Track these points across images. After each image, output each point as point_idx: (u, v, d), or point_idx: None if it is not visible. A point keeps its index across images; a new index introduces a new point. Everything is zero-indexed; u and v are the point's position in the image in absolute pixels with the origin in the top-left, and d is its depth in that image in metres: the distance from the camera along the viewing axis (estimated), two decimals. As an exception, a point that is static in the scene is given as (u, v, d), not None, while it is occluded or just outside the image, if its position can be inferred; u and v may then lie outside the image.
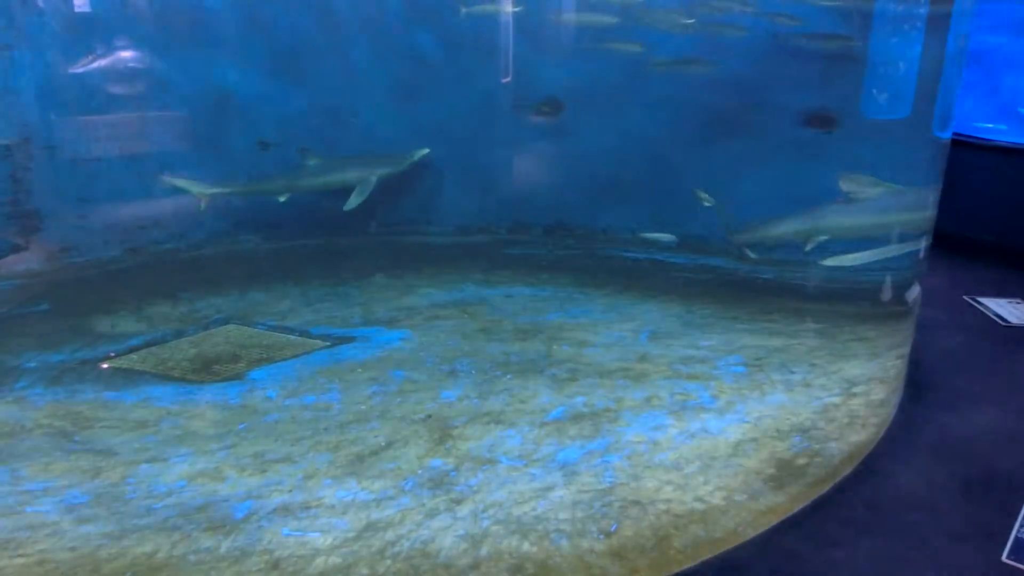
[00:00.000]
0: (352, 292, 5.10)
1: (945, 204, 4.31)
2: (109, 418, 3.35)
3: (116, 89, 5.12)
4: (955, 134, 6.66)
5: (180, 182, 5.55)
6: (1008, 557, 2.60)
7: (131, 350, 4.10)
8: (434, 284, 5.24)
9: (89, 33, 5.04)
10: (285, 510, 2.67)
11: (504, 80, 5.43)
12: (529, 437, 3.21)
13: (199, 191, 5.54)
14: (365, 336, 4.33)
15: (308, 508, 2.69)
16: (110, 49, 4.99)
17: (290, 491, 2.79)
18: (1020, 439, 3.40)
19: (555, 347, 4.16)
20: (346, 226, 6.08)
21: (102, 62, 4.93)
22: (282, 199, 5.72)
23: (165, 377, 3.78)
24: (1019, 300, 5.26)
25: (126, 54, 5.05)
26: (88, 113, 5.17)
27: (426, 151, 5.92)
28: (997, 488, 3.02)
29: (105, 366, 3.91)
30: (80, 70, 4.91)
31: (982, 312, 5.06)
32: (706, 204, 5.26)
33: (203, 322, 4.51)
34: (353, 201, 5.59)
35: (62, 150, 5.22)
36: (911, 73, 4.02)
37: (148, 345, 4.16)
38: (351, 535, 2.55)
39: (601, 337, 4.33)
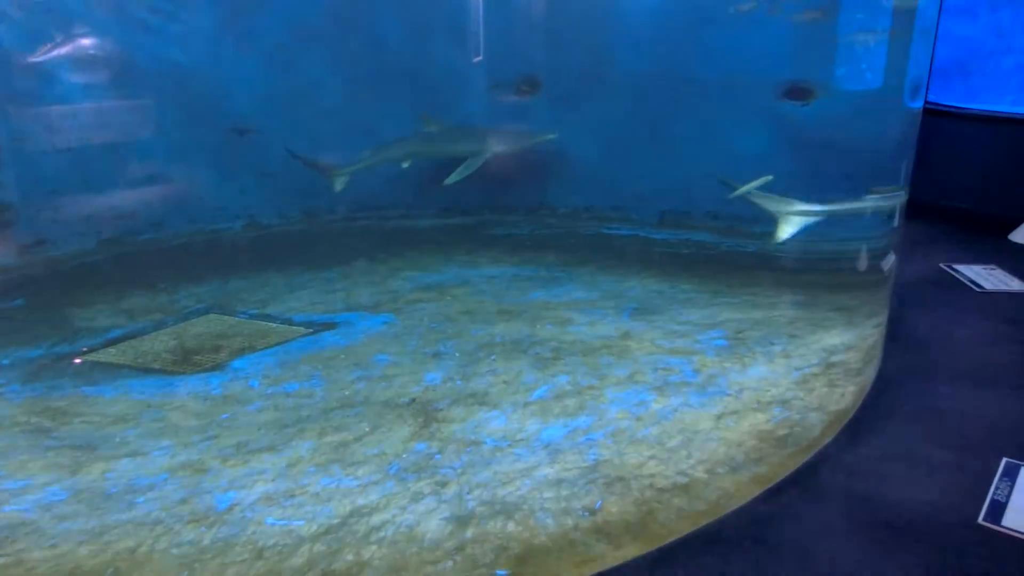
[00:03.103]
0: (335, 278, 5.08)
1: (921, 173, 4.33)
2: (88, 413, 3.31)
3: (86, 78, 5.02)
4: (929, 103, 6.70)
5: (316, 164, 5.50)
6: (984, 519, 2.64)
7: (109, 343, 4.06)
8: (417, 267, 5.23)
9: (51, 20, 4.93)
10: (269, 499, 2.67)
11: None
12: (513, 417, 3.22)
13: (336, 173, 5.46)
14: (348, 321, 4.31)
15: (292, 496, 2.68)
16: (75, 36, 4.88)
17: (273, 480, 2.78)
18: (995, 404, 3.45)
19: (538, 326, 4.16)
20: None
21: (65, 50, 4.83)
22: (405, 165, 5.61)
23: (145, 369, 3.75)
24: (994, 267, 5.32)
25: (92, 40, 4.94)
26: (58, 103, 5.08)
27: (552, 135, 5.67)
28: (973, 452, 3.06)
29: (78, 361, 3.87)
30: (41, 59, 4.81)
31: (958, 279, 5.11)
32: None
33: (183, 312, 4.47)
34: (456, 176, 5.35)
35: (32, 142, 5.12)
36: (882, 44, 4.02)
37: (127, 338, 4.12)
38: (336, 522, 2.55)
39: (584, 315, 4.34)
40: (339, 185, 5.61)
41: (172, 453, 2.98)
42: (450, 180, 5.35)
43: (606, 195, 6.19)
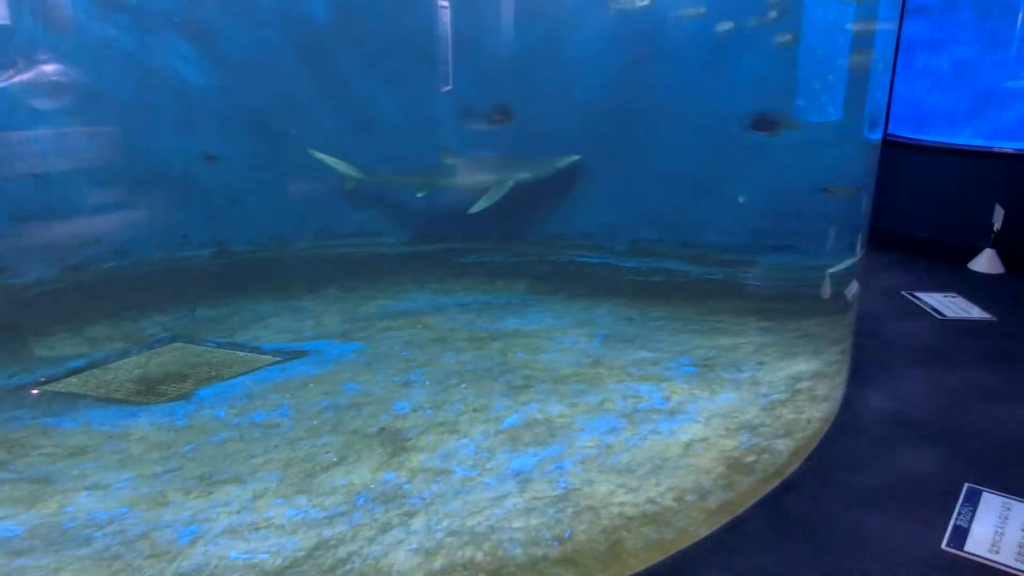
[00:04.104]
0: (305, 305, 5.04)
1: (883, 203, 4.43)
2: (47, 445, 3.23)
3: (50, 103, 4.97)
4: (889, 135, 6.90)
5: (330, 160, 5.55)
6: (947, 545, 2.68)
7: (71, 373, 3.97)
8: (388, 295, 5.21)
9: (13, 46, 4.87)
10: (233, 532, 2.61)
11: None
12: (483, 446, 3.20)
13: (348, 172, 5.52)
14: (317, 350, 4.27)
15: (257, 529, 2.63)
16: (38, 62, 4.83)
17: (238, 512, 2.73)
18: (959, 432, 3.51)
19: (509, 354, 4.16)
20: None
21: (28, 75, 4.78)
22: (419, 195, 5.61)
23: (107, 400, 3.67)
24: (954, 294, 5.45)
25: (53, 67, 4.89)
26: (20, 129, 5.01)
27: (575, 158, 5.69)
28: (937, 479, 3.11)
29: (36, 391, 3.77)
30: (4, 84, 4.75)
31: (920, 307, 5.22)
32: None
33: (148, 341, 4.39)
34: (480, 204, 5.36)
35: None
36: (842, 78, 4.15)
37: (89, 367, 4.04)
38: (301, 554, 2.50)
39: (555, 343, 4.35)
40: (350, 184, 5.75)
41: (133, 486, 2.91)
42: (474, 209, 5.38)
43: (577, 223, 6.25)
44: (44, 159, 5.05)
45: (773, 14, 4.99)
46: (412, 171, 5.81)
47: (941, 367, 4.23)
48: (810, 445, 3.32)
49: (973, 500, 2.94)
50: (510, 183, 5.49)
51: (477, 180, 5.65)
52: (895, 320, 4.98)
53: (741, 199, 5.12)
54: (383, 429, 3.33)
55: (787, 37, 4.91)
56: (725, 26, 5.15)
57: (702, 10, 5.19)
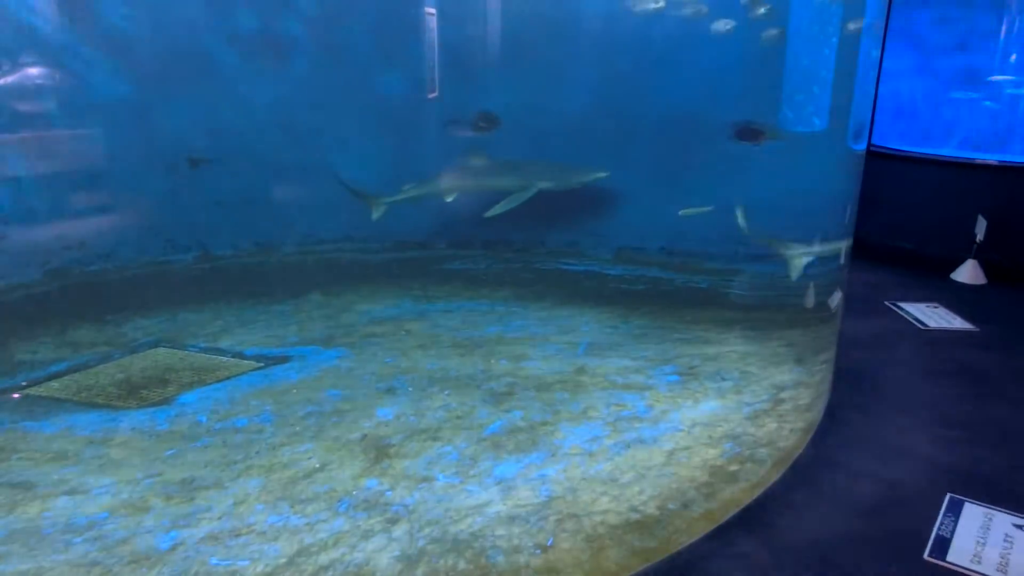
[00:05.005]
0: (288, 311, 5.01)
1: (866, 214, 4.48)
2: (26, 449, 3.20)
3: (33, 106, 4.93)
4: (874, 146, 6.97)
5: (355, 189, 5.49)
6: (929, 555, 2.70)
7: (52, 377, 3.93)
8: (372, 301, 5.19)
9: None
10: (214, 539, 2.59)
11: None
12: (466, 453, 3.20)
13: (376, 201, 5.47)
14: (301, 355, 4.25)
15: (238, 535, 2.62)
16: (21, 64, 4.80)
17: (219, 518, 2.71)
18: (941, 441, 3.55)
19: (493, 361, 4.16)
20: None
21: (11, 78, 4.73)
22: (449, 199, 5.55)
23: (88, 404, 3.63)
24: (937, 304, 5.51)
25: (39, 69, 4.86)
26: (2, 131, 4.96)
27: (603, 174, 5.60)
28: (919, 488, 3.14)
29: (16, 396, 3.73)
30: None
31: (903, 316, 5.28)
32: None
33: (130, 345, 4.36)
34: (499, 208, 5.26)
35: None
36: (826, 88, 4.19)
37: (71, 371, 4.00)
38: (283, 561, 2.49)
39: (539, 350, 4.35)
40: (376, 213, 5.62)
41: (114, 491, 2.88)
42: (492, 213, 5.32)
43: (562, 231, 6.26)
44: (27, 162, 5.00)
45: (762, 10, 4.99)
46: (436, 177, 5.76)
47: (923, 378, 4.27)
48: (793, 455, 3.34)
49: (955, 510, 2.97)
50: (532, 190, 5.46)
51: (499, 183, 5.60)
52: (878, 330, 5.03)
53: (683, 212, 5.15)
54: (366, 436, 3.32)
55: (774, 32, 4.90)
56: (726, 26, 5.12)
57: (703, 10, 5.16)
